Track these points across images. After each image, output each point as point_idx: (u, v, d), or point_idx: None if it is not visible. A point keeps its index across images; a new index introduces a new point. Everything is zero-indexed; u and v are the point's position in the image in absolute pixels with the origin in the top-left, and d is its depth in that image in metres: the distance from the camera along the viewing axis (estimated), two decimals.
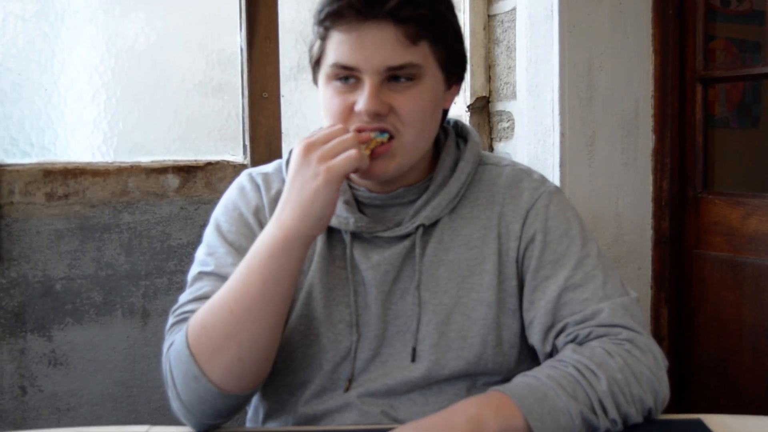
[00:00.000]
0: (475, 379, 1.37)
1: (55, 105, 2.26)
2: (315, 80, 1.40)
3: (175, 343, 1.27)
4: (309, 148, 1.22)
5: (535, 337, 1.37)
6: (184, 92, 2.43)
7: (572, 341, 1.31)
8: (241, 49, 2.45)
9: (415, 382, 1.35)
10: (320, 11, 1.29)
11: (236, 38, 2.46)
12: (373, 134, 1.26)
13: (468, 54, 2.73)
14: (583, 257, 1.38)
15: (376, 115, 1.26)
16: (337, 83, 1.30)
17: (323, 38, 1.31)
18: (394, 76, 1.28)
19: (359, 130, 1.27)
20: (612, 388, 1.19)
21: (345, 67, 1.28)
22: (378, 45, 1.26)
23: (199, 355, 1.22)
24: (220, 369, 1.21)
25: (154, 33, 2.39)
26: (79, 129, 2.30)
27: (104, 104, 2.31)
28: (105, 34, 2.31)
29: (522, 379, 1.22)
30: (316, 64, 1.36)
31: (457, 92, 1.44)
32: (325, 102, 1.33)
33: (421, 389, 1.35)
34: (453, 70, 1.38)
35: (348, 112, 1.29)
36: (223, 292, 1.24)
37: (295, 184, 1.22)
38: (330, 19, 1.28)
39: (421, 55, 1.29)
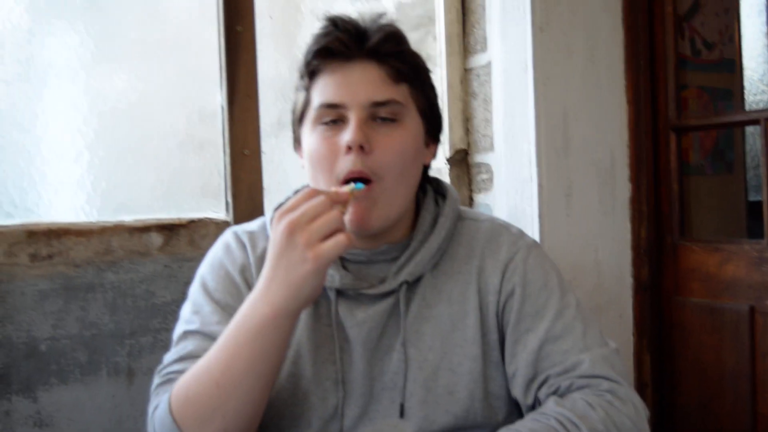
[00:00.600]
0: None
1: (38, 166, 2.27)
2: (296, 140, 1.44)
3: (159, 409, 1.27)
4: (293, 229, 1.17)
5: (517, 390, 1.39)
6: (167, 150, 2.45)
7: (554, 393, 1.33)
8: (222, 107, 2.47)
9: None
10: (307, 54, 1.37)
11: (217, 96, 2.49)
12: (349, 188, 1.24)
13: (446, 107, 2.80)
14: (562, 309, 1.40)
15: (360, 150, 1.30)
16: (323, 127, 1.34)
17: (308, 88, 1.38)
18: (378, 117, 1.32)
19: (346, 180, 1.31)
20: None
21: (332, 106, 1.33)
22: (363, 82, 1.33)
23: (184, 425, 1.22)
24: None
25: (135, 92, 2.41)
26: (63, 189, 2.31)
27: (87, 164, 2.33)
28: (87, 95, 2.33)
29: None
30: (300, 117, 1.40)
31: (434, 152, 1.48)
32: (311, 147, 1.37)
33: None
34: (432, 122, 1.44)
35: (335, 155, 1.32)
36: (209, 363, 1.23)
37: (282, 263, 1.19)
38: (318, 57, 1.35)
39: (402, 95, 1.36)
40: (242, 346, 1.21)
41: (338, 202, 1.21)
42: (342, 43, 1.33)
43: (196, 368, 1.25)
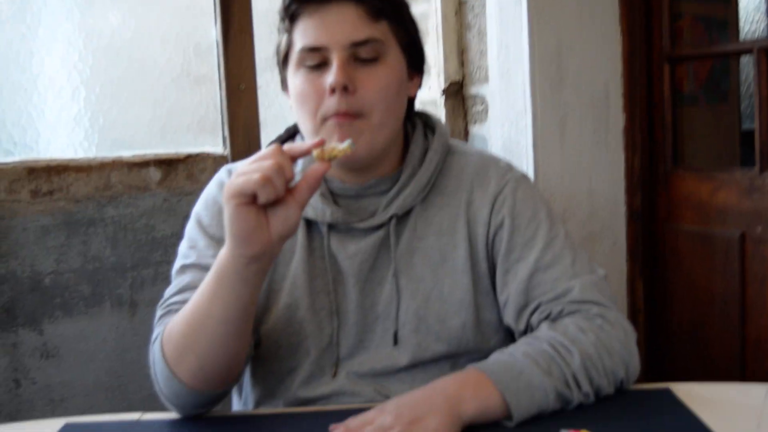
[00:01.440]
0: (457, 359, 1.42)
1: (35, 104, 2.29)
2: (283, 81, 1.45)
3: (156, 340, 1.31)
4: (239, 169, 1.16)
5: (509, 317, 1.42)
6: (163, 86, 2.46)
7: (546, 318, 1.37)
8: (217, 42, 2.48)
9: (401, 365, 1.39)
10: None
11: (211, 31, 2.49)
12: (335, 145, 1.20)
13: (441, 39, 2.80)
14: (551, 239, 1.43)
15: (344, 90, 1.32)
16: (306, 70, 1.36)
17: (289, 30, 1.38)
18: (359, 58, 1.34)
19: (336, 114, 1.33)
20: (585, 363, 1.24)
21: (313, 49, 1.33)
22: (341, 23, 1.33)
23: (169, 358, 1.26)
24: (186, 372, 1.25)
25: (130, 29, 2.42)
26: (61, 126, 2.33)
27: (84, 101, 2.35)
28: (82, 31, 2.34)
29: (498, 357, 1.27)
30: (284, 60, 1.41)
31: (419, 84, 1.49)
32: (296, 90, 1.37)
33: (407, 370, 1.40)
34: (414, 55, 1.44)
35: (320, 96, 1.33)
36: (187, 305, 1.26)
37: None
38: (296, 1, 1.35)
39: (381, 32, 1.36)
40: (206, 289, 1.23)
41: (318, 146, 1.18)
42: None
43: (183, 308, 1.28)
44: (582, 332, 1.29)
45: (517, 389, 1.20)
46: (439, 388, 1.21)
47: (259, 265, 1.20)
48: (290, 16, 1.37)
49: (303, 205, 1.16)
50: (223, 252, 1.19)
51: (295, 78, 1.37)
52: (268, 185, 1.10)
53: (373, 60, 1.35)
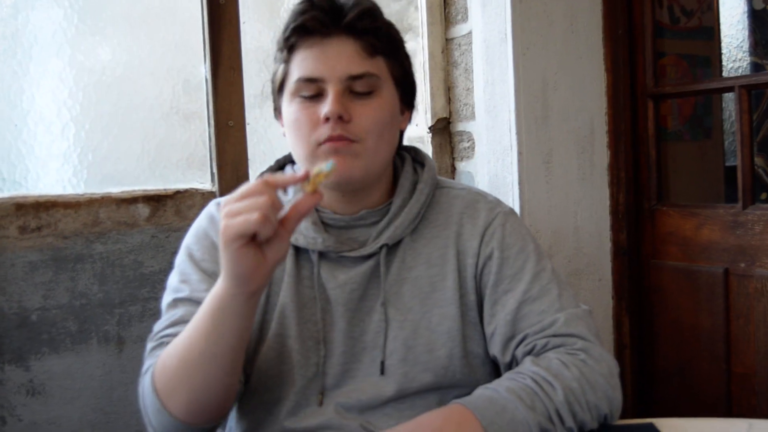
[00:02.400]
0: (444, 392, 1.43)
1: (25, 140, 2.30)
2: (277, 109, 1.48)
3: (147, 373, 1.32)
4: (225, 203, 1.15)
5: (495, 348, 1.44)
6: (152, 122, 2.48)
7: (530, 351, 1.38)
8: (206, 79, 2.50)
9: (388, 396, 1.40)
10: (285, 29, 1.40)
11: (201, 68, 2.51)
12: (316, 169, 1.18)
13: (428, 76, 2.83)
14: (538, 272, 1.45)
15: (339, 119, 1.34)
16: (302, 99, 1.39)
17: (287, 61, 1.41)
18: (355, 92, 1.37)
19: (330, 139, 1.35)
20: (568, 398, 1.26)
21: (310, 80, 1.37)
22: (340, 56, 1.37)
23: (161, 392, 1.27)
24: (179, 406, 1.26)
25: (120, 65, 2.44)
26: (50, 162, 2.33)
27: (73, 137, 2.35)
28: (72, 68, 2.35)
29: (482, 392, 1.28)
30: (280, 88, 1.44)
31: (410, 118, 1.53)
32: (291, 117, 1.40)
33: (393, 402, 1.41)
34: (406, 90, 1.49)
35: (314, 124, 1.37)
36: (180, 338, 1.27)
37: None
38: (296, 34, 1.39)
39: (378, 67, 1.40)
40: (199, 328, 1.23)
41: (303, 179, 1.17)
42: (318, 21, 1.37)
43: (174, 341, 1.29)
44: (565, 367, 1.30)
45: (500, 425, 1.21)
46: (425, 424, 1.22)
47: (257, 298, 1.22)
48: (289, 46, 1.40)
49: (292, 233, 1.18)
50: (220, 290, 1.20)
51: (290, 107, 1.40)
52: (267, 224, 1.11)
53: (368, 93, 1.39)
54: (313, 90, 1.38)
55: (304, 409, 1.41)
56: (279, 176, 1.17)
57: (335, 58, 1.37)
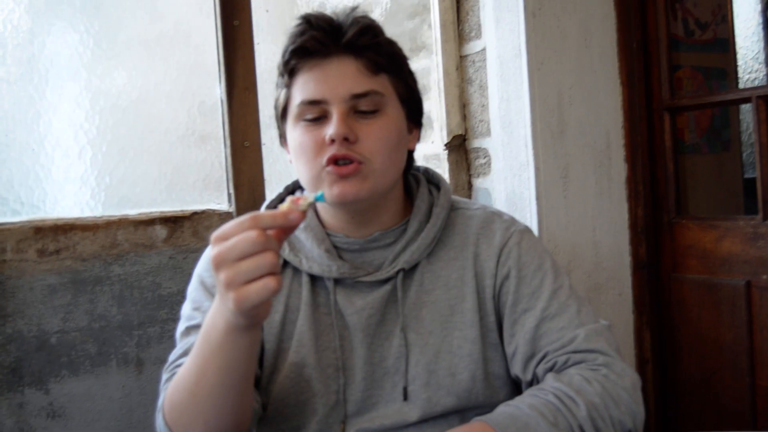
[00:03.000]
0: (467, 414, 1.41)
1: (42, 163, 2.31)
2: (282, 136, 1.46)
3: (160, 409, 1.31)
4: (219, 264, 1.05)
5: (516, 367, 1.42)
6: (168, 144, 2.49)
7: (551, 368, 1.37)
8: (221, 101, 2.51)
9: (412, 421, 1.39)
10: (285, 53, 1.38)
11: (216, 89, 2.52)
12: (303, 203, 1.12)
13: (443, 93, 2.83)
14: (556, 289, 1.44)
15: (344, 141, 1.32)
16: (306, 123, 1.36)
17: (288, 85, 1.39)
18: (359, 110, 1.35)
19: (331, 160, 1.33)
20: (591, 414, 1.24)
21: (313, 102, 1.35)
22: (341, 76, 1.34)
23: (175, 428, 1.25)
24: None
25: (136, 88, 2.45)
26: (67, 185, 2.35)
27: (90, 160, 2.37)
28: (88, 92, 2.37)
29: (504, 409, 1.26)
30: (283, 114, 1.42)
31: (418, 137, 1.51)
32: (296, 142, 1.38)
33: (416, 425, 1.39)
34: (412, 108, 1.46)
35: (319, 147, 1.34)
36: (186, 371, 1.23)
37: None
38: (296, 56, 1.36)
39: (381, 85, 1.37)
40: (208, 358, 1.19)
41: (298, 224, 1.10)
42: (317, 41, 1.35)
43: (179, 375, 1.26)
44: (587, 383, 1.29)
45: None
46: None
47: (261, 324, 1.20)
48: (290, 71, 1.38)
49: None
50: (227, 325, 1.13)
51: (294, 131, 1.38)
52: (281, 283, 1.07)
53: (373, 112, 1.36)
54: (316, 112, 1.35)
55: None
56: (270, 218, 1.07)
57: (337, 78, 1.34)
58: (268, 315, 1.15)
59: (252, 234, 1.04)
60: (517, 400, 1.28)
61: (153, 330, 2.32)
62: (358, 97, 1.34)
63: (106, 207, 2.38)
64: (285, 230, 1.10)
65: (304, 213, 1.11)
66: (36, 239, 2.21)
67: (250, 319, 1.10)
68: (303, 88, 1.36)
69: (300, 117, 1.37)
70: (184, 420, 1.24)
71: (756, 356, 2.30)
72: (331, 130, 1.32)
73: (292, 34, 1.37)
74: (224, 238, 1.06)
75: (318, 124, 1.36)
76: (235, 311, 1.06)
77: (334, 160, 1.33)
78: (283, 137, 1.46)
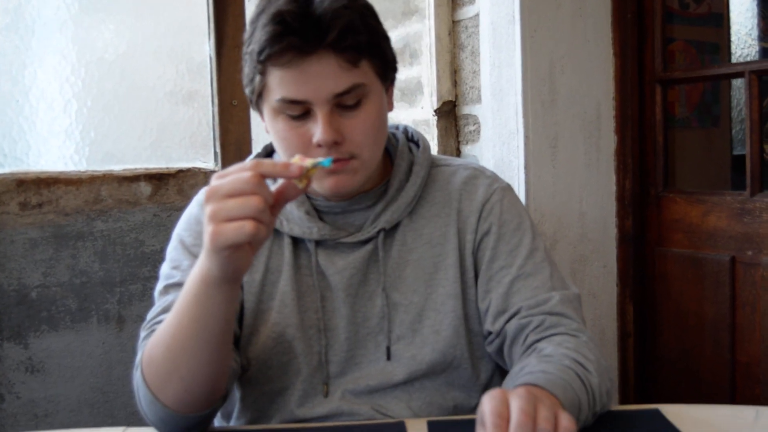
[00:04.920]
0: (451, 371, 1.42)
1: (27, 116, 2.28)
2: (256, 108, 1.38)
3: (137, 364, 1.29)
4: (209, 197, 1.06)
5: (488, 322, 1.42)
6: (155, 101, 2.46)
7: (526, 326, 1.36)
8: (210, 58, 2.48)
9: (397, 380, 1.39)
10: (259, 52, 1.26)
11: (205, 47, 2.50)
12: (310, 161, 1.12)
13: (434, 59, 2.81)
14: (533, 250, 1.45)
15: (334, 144, 1.30)
16: (288, 118, 1.30)
17: (263, 73, 1.29)
18: (342, 104, 1.30)
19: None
20: (600, 382, 1.24)
21: (294, 102, 1.28)
22: (323, 76, 1.26)
23: (151, 384, 1.23)
24: (171, 397, 1.23)
25: (123, 43, 2.42)
26: (52, 139, 2.33)
27: (75, 114, 2.34)
28: (75, 45, 2.34)
29: (538, 375, 1.18)
30: (258, 97, 1.34)
31: (392, 91, 1.46)
32: (279, 135, 1.33)
33: (403, 385, 1.40)
34: (388, 74, 1.41)
35: (306, 146, 1.29)
36: (165, 326, 1.22)
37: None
38: (271, 60, 1.26)
39: (363, 74, 1.31)
40: (184, 312, 1.18)
41: (297, 175, 1.10)
42: (296, 48, 1.25)
43: (157, 332, 1.25)
44: (590, 353, 1.28)
45: (568, 402, 1.13)
46: (531, 391, 1.07)
47: (240, 280, 1.19)
48: (264, 62, 1.28)
49: (276, 219, 1.15)
50: (204, 277, 1.13)
51: (276, 123, 1.32)
52: (261, 232, 1.05)
53: (356, 104, 1.31)
54: (298, 110, 1.29)
55: (312, 398, 1.40)
56: (270, 165, 1.09)
57: (318, 79, 1.26)
58: (245, 272, 1.15)
59: (246, 174, 1.05)
60: (542, 366, 1.21)
61: (135, 287, 2.31)
62: (341, 95, 1.28)
63: (90, 162, 2.36)
64: (285, 192, 1.11)
65: (308, 179, 1.11)
66: (18, 192, 2.19)
67: (225, 266, 1.10)
68: (282, 85, 1.28)
69: (281, 112, 1.30)
70: (161, 375, 1.23)
71: (737, 332, 2.31)
72: (317, 135, 1.27)
73: (267, 37, 1.25)
74: (223, 175, 1.07)
75: (301, 121, 1.30)
76: (210, 249, 1.07)
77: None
78: (256, 108, 1.40)
